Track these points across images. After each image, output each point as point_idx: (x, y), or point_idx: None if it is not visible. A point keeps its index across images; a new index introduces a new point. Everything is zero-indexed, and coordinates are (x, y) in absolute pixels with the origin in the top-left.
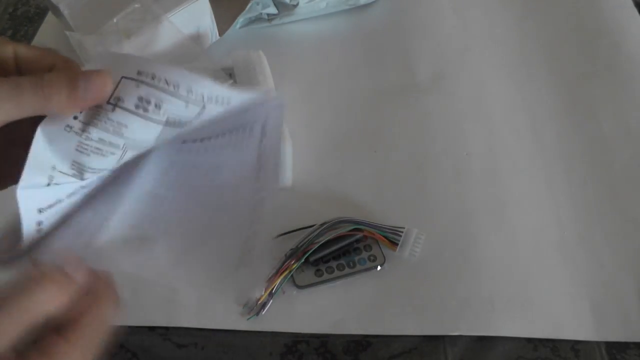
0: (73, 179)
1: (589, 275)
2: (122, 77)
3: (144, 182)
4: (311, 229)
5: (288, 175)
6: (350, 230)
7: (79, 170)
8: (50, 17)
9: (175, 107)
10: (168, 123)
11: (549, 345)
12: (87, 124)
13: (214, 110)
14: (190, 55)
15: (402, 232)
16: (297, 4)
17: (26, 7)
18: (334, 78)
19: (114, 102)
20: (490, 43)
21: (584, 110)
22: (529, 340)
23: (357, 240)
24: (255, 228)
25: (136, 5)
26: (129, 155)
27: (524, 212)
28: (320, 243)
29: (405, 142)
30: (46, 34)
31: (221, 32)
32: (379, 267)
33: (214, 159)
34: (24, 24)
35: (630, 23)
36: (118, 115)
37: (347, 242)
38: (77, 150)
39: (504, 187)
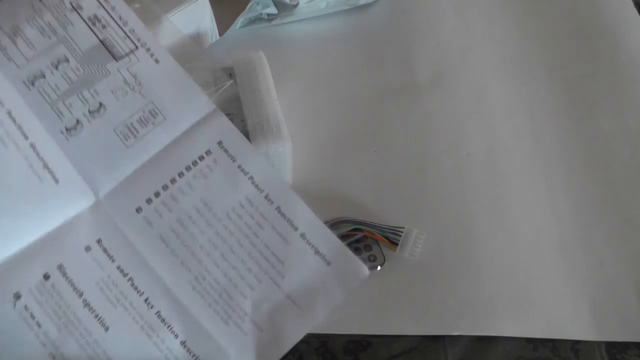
0: (6, 38)
1: (589, 275)
2: None
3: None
4: None
5: (288, 175)
6: (350, 230)
7: (14, 34)
8: None
9: (115, 33)
10: (103, 43)
11: (549, 345)
12: (46, 7)
13: (145, 63)
14: (190, 55)
15: (402, 232)
16: (297, 4)
17: None
18: (334, 78)
19: (75, 6)
20: (490, 43)
21: (584, 110)
22: (529, 340)
23: (357, 240)
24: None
25: (136, 5)
26: (58, 49)
27: (524, 212)
28: None
29: (405, 142)
30: None
31: (221, 32)
32: (379, 267)
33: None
34: None
35: (630, 23)
36: (71, 15)
37: (347, 242)
38: (26, 21)
39: (504, 187)
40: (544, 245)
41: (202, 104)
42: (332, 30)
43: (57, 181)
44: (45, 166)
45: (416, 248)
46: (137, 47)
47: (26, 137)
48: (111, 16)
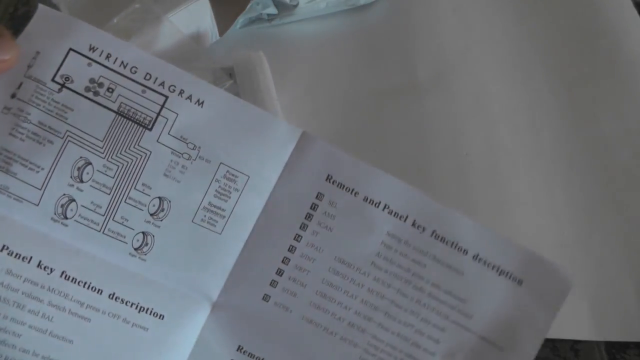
0: None
1: (589, 275)
2: (70, 50)
3: None
4: None
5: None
6: None
7: (5, 161)
8: None
9: (129, 91)
10: (121, 113)
11: (549, 345)
12: (28, 103)
13: (187, 114)
14: (190, 55)
15: None
16: (297, 4)
17: (26, 7)
18: (334, 78)
19: (61, 80)
20: (490, 43)
21: (584, 110)
22: None
23: None
24: None
25: (136, 5)
26: (71, 153)
27: (523, 212)
28: None
29: (405, 142)
30: None
31: (221, 32)
32: None
33: None
34: (24, 24)
35: (630, 23)
36: (64, 97)
37: None
38: (10, 134)
39: (503, 187)
40: (544, 245)
41: (284, 134)
42: (332, 30)
43: (161, 317)
44: (141, 308)
45: None
46: (166, 97)
47: (100, 292)
48: (112, 69)
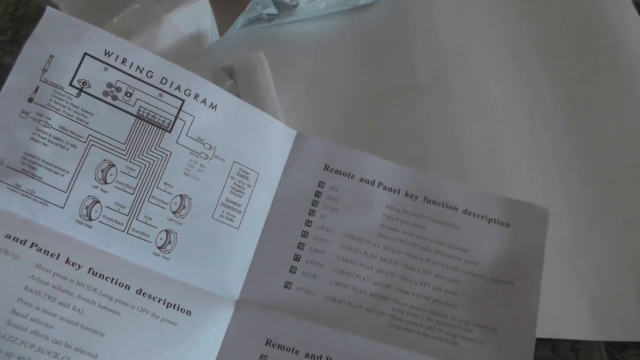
0: (22, 176)
1: (588, 274)
2: (85, 54)
3: None
4: None
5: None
6: None
7: (30, 165)
8: None
9: (147, 95)
10: (141, 117)
11: (549, 345)
12: (47, 108)
13: (203, 116)
14: (190, 55)
15: None
16: (297, 4)
17: (26, 7)
18: (334, 78)
19: (79, 85)
20: (490, 43)
21: (584, 110)
22: None
23: None
24: None
25: (136, 6)
26: (95, 156)
27: None
28: None
29: (405, 142)
30: None
31: (221, 32)
32: None
33: None
34: (24, 24)
35: (630, 23)
36: (83, 102)
37: None
38: (32, 139)
39: (504, 187)
40: None
41: (282, 134)
42: (332, 30)
43: (188, 313)
44: (168, 304)
45: None
46: (183, 100)
47: (127, 287)
48: (128, 74)
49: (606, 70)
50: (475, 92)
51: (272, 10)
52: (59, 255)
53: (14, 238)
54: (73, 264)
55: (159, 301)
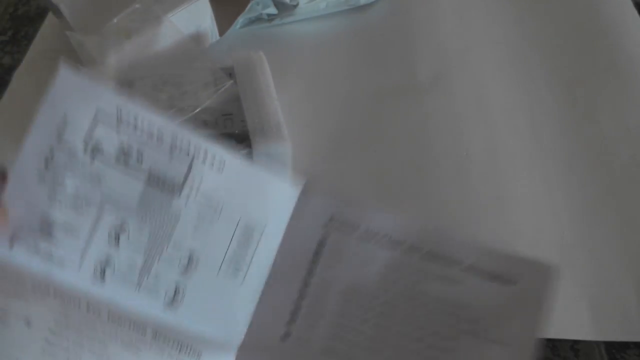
0: (40, 238)
1: (589, 274)
2: (98, 114)
3: None
4: None
5: (288, 175)
6: None
7: (47, 229)
8: (50, 17)
9: (157, 159)
10: (151, 180)
11: (549, 345)
12: (62, 173)
13: (211, 178)
14: (190, 55)
15: None
16: (297, 4)
17: (26, 7)
18: (334, 78)
19: (93, 148)
20: (490, 43)
21: (584, 110)
22: None
23: None
24: None
25: (136, 5)
26: (109, 217)
27: (523, 212)
28: None
29: (405, 142)
30: (46, 34)
31: (221, 32)
32: None
33: None
34: (24, 24)
35: (630, 23)
36: (97, 168)
37: None
38: (49, 202)
39: (503, 187)
40: (544, 245)
41: (287, 191)
42: (332, 30)
43: (199, 355)
44: (180, 348)
45: None
46: (191, 163)
47: (144, 332)
48: (139, 140)
49: (606, 70)
50: (475, 92)
51: (272, 10)
52: (80, 303)
53: (38, 288)
54: (93, 311)
55: (172, 343)
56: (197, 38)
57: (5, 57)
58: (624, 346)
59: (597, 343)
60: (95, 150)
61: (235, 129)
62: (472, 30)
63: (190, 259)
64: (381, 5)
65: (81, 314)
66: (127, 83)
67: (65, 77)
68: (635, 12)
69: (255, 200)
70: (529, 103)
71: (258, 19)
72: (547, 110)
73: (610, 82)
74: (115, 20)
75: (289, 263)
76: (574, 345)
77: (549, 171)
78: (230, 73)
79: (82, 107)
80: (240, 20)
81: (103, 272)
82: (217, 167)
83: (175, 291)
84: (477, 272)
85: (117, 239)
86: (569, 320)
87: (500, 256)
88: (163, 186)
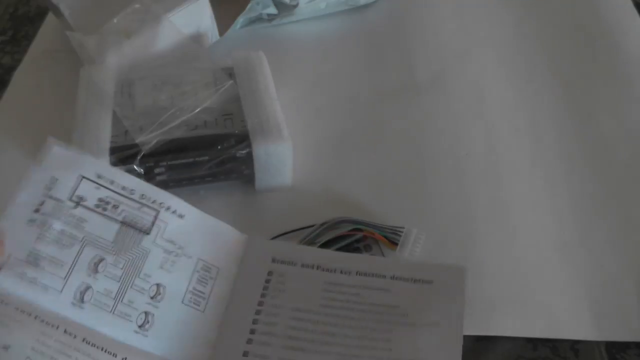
0: (27, 266)
1: (589, 274)
2: (82, 177)
3: None
4: (311, 229)
5: (288, 175)
6: (350, 230)
7: (35, 259)
8: (50, 17)
9: (130, 209)
10: (125, 223)
11: (549, 345)
12: (50, 216)
13: (173, 224)
14: (190, 55)
15: (402, 232)
16: (297, 4)
17: (26, 8)
18: (334, 78)
19: (77, 200)
20: (490, 43)
21: (584, 110)
22: (529, 340)
23: (357, 240)
24: None
25: (136, 5)
26: (88, 252)
27: (523, 212)
28: (320, 243)
29: (405, 142)
30: (46, 34)
31: (221, 32)
32: None
33: None
34: (24, 24)
35: (630, 23)
36: (80, 212)
37: (346, 242)
38: (37, 240)
39: (503, 187)
40: (543, 245)
41: (237, 238)
42: (332, 30)
43: None
44: None
45: (416, 248)
46: (158, 211)
47: (115, 355)
48: (115, 191)
49: (606, 70)
50: (475, 92)
51: (272, 10)
52: (58, 326)
53: (22, 310)
54: (70, 333)
55: None
56: (197, 38)
57: (5, 57)
58: (624, 346)
59: (597, 343)
60: (78, 200)
61: (235, 129)
62: (472, 31)
63: (157, 289)
64: (381, 5)
65: (58, 336)
66: (127, 83)
67: (54, 152)
68: (635, 12)
69: (211, 244)
70: (529, 103)
71: (258, 19)
72: (547, 110)
73: (610, 82)
74: (115, 20)
75: (243, 295)
76: (574, 345)
77: (548, 171)
78: (230, 73)
79: (68, 171)
80: (240, 20)
81: (82, 296)
82: (179, 215)
83: (145, 316)
84: (401, 280)
85: (96, 268)
86: (569, 320)
87: (416, 266)
88: (135, 227)
